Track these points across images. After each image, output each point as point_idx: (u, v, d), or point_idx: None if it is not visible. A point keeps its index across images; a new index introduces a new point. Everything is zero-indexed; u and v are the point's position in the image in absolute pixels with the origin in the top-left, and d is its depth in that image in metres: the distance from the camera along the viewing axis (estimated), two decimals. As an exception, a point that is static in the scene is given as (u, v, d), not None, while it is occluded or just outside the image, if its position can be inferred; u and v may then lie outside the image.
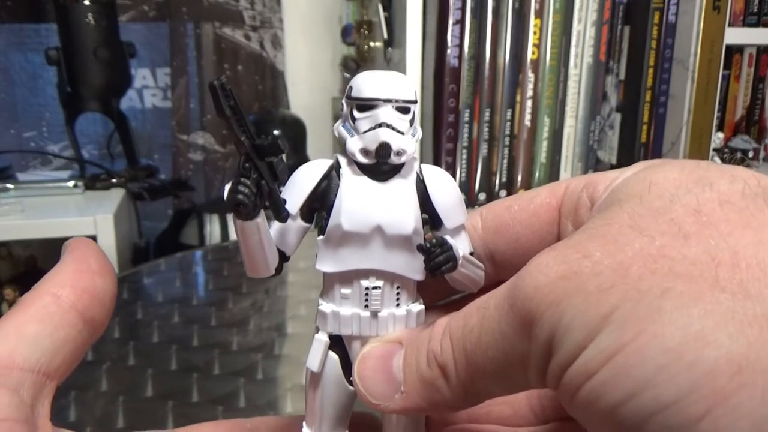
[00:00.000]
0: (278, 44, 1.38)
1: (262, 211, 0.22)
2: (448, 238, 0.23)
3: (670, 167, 0.19)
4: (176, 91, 1.35)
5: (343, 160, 0.24)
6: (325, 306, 0.24)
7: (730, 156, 1.39)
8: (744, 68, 1.42)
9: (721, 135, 1.35)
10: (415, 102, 0.24)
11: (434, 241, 0.23)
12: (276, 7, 1.37)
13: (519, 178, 1.12)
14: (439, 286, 0.24)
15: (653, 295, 0.15)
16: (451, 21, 1.03)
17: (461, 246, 0.24)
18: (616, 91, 1.17)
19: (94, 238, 0.96)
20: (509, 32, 1.06)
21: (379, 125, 0.22)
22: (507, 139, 1.10)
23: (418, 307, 0.25)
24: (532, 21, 1.06)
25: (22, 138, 1.32)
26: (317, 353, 0.24)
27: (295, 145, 1.17)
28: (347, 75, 1.35)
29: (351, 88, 0.24)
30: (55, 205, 1.01)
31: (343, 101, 0.24)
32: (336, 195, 0.23)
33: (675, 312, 0.15)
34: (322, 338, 0.24)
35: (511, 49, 1.07)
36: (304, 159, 0.74)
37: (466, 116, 1.07)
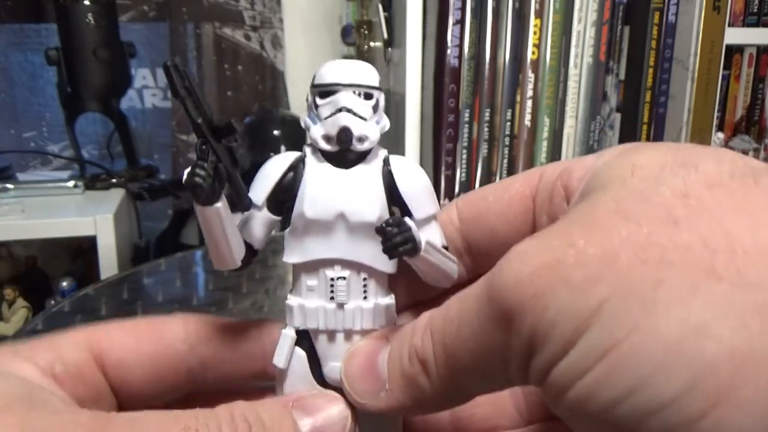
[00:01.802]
0: (278, 44, 1.38)
1: (224, 198, 0.21)
2: (408, 220, 0.22)
3: (653, 149, 0.18)
4: (176, 91, 1.35)
5: (308, 150, 0.23)
6: (292, 299, 0.24)
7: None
8: (744, 68, 1.42)
9: (721, 135, 1.35)
10: (378, 89, 0.23)
11: (390, 220, 0.21)
12: (276, 7, 1.37)
13: (519, 178, 1.12)
14: (414, 282, 0.23)
15: (646, 287, 0.15)
16: (451, 21, 1.03)
17: (431, 238, 0.23)
18: (616, 91, 1.17)
19: (94, 238, 0.96)
20: (509, 32, 1.06)
21: (339, 110, 0.22)
22: (507, 139, 1.10)
23: (388, 300, 0.24)
24: (532, 21, 1.06)
25: (22, 138, 1.32)
26: (283, 349, 0.23)
27: (295, 146, 1.17)
28: (347, 75, 1.35)
29: (314, 76, 0.23)
30: (55, 205, 1.01)
31: (308, 91, 0.24)
32: (300, 184, 0.23)
33: (671, 305, 0.14)
34: (288, 333, 0.24)
35: (511, 49, 1.07)
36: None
37: (466, 116, 1.07)
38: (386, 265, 0.23)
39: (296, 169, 0.23)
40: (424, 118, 1.08)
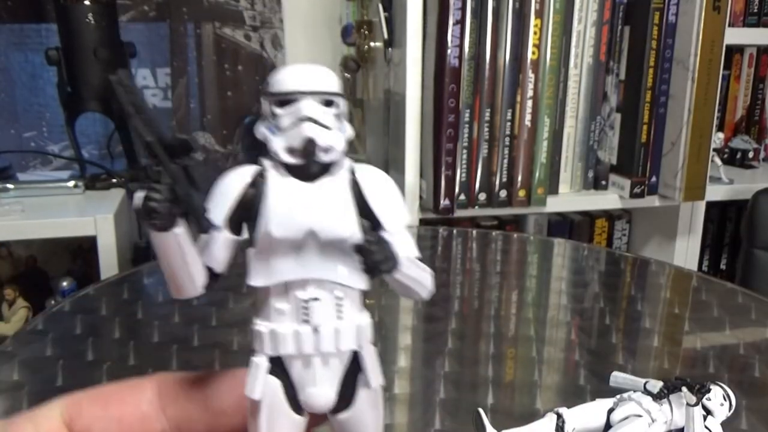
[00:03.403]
0: (278, 44, 1.38)
1: (182, 222, 0.20)
2: (386, 236, 0.21)
3: None
4: (176, 91, 1.35)
5: (268, 164, 0.22)
6: (261, 325, 0.22)
7: (730, 156, 1.39)
8: (744, 68, 1.42)
9: (721, 135, 1.35)
10: (340, 95, 0.22)
11: (370, 238, 0.21)
12: (276, 7, 1.37)
13: (519, 178, 1.12)
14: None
15: None
16: (451, 21, 1.03)
17: (405, 249, 0.22)
18: (616, 91, 1.17)
19: (94, 238, 0.96)
20: (509, 32, 1.06)
21: (302, 120, 0.21)
22: (507, 139, 1.10)
23: (365, 319, 0.22)
24: (533, 21, 1.06)
25: (22, 138, 1.32)
26: (256, 378, 0.22)
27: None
28: (347, 75, 1.35)
29: (268, 83, 0.22)
30: (55, 205, 1.01)
31: (263, 100, 0.22)
32: (263, 201, 0.21)
33: None
34: (259, 362, 0.22)
35: (512, 49, 1.07)
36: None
37: (466, 116, 1.07)
38: (361, 281, 0.22)
39: (257, 184, 0.22)
40: (424, 118, 1.08)
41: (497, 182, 1.11)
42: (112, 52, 1.10)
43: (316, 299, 0.21)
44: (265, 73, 1.38)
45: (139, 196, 0.19)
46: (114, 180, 1.10)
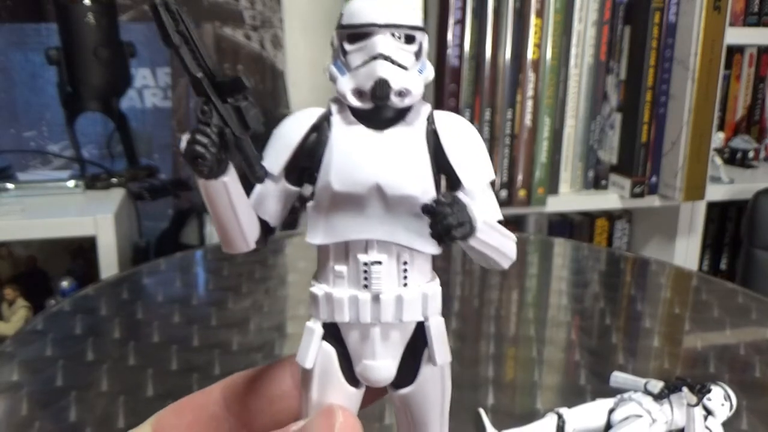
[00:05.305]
0: (278, 44, 1.38)
1: (232, 169, 0.18)
2: (463, 197, 0.19)
3: None
4: (176, 91, 1.35)
5: (334, 107, 0.20)
6: (317, 287, 0.20)
7: (730, 156, 1.39)
8: (744, 68, 1.42)
9: (721, 135, 1.35)
10: (421, 29, 0.19)
11: (442, 198, 0.18)
12: (276, 7, 1.37)
13: (519, 178, 1.12)
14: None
15: None
16: (451, 21, 1.03)
17: (485, 210, 0.19)
18: (616, 91, 1.17)
19: (94, 238, 0.96)
20: (510, 32, 1.06)
21: (375, 57, 0.18)
22: (507, 139, 1.10)
23: (434, 287, 0.20)
24: (533, 21, 1.06)
25: (22, 138, 1.32)
26: (308, 345, 0.20)
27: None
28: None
29: (342, 15, 0.19)
30: (55, 205, 1.01)
31: (334, 33, 0.20)
32: (326, 149, 0.19)
33: None
34: (313, 327, 0.20)
35: (512, 48, 1.07)
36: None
37: (466, 116, 1.07)
38: (431, 245, 0.19)
39: (320, 129, 0.19)
40: (424, 118, 1.07)
41: (498, 182, 1.11)
42: (112, 52, 1.10)
43: (378, 262, 0.19)
44: (264, 73, 1.38)
45: (186, 138, 0.17)
46: (114, 180, 1.10)
